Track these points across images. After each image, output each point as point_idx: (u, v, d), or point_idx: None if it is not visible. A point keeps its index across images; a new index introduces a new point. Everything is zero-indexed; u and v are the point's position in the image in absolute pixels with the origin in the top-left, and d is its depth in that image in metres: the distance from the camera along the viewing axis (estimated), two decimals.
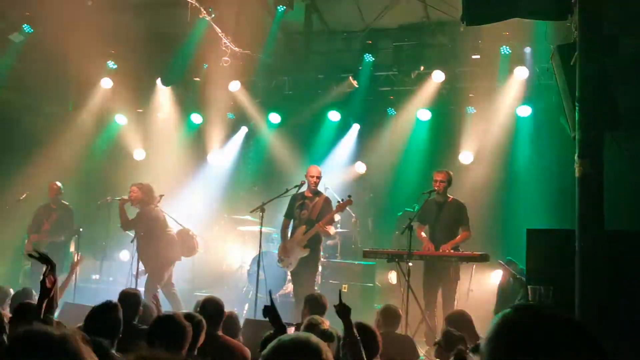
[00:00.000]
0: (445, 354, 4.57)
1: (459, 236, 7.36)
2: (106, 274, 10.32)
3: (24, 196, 9.07)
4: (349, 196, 7.69)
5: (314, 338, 2.03)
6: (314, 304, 5.40)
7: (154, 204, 8.44)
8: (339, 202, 7.78)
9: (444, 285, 7.23)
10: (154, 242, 8.26)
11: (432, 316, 7.14)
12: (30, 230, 9.15)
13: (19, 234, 9.45)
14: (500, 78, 9.26)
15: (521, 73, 9.07)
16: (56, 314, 7.14)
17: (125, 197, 8.51)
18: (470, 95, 9.59)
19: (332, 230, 8.03)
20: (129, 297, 5.06)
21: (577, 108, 5.05)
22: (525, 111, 9.27)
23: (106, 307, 4.08)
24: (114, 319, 4.00)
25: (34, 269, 9.03)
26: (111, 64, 10.49)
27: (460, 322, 5.22)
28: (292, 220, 8.03)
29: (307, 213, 7.77)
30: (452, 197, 7.57)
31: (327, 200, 7.91)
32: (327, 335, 4.16)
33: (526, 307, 1.61)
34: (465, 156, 9.54)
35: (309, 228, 7.67)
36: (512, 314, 1.57)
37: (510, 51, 8.96)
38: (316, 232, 7.68)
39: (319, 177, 7.90)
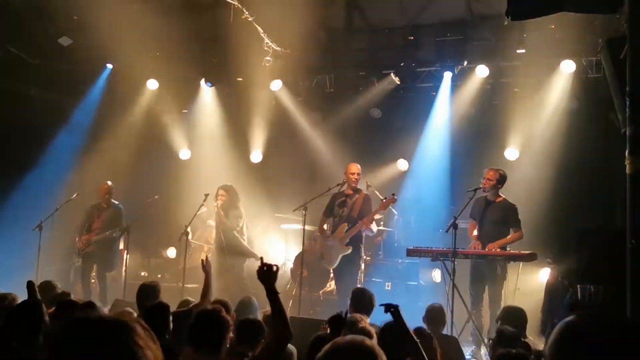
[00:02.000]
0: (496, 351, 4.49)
1: (510, 237, 7.18)
2: (154, 271, 10.55)
3: (74, 196, 9.34)
4: (393, 194, 7.67)
5: (368, 341, 2.03)
6: (357, 300, 5.36)
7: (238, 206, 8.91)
8: (382, 200, 7.76)
9: (491, 284, 7.11)
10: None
11: (478, 315, 7.05)
12: (81, 229, 9.41)
13: (69, 232, 9.74)
14: (546, 72, 9.07)
15: (568, 67, 8.85)
16: (106, 310, 7.37)
17: (217, 203, 8.80)
18: (515, 90, 9.41)
19: (374, 227, 8.04)
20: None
21: (627, 103, 4.91)
22: (573, 106, 9.03)
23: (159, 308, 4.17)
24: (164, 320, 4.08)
25: (84, 267, 9.34)
26: (156, 65, 10.67)
27: (517, 317, 5.11)
28: (330, 219, 8.08)
29: (347, 210, 7.82)
30: (503, 197, 7.41)
31: (367, 197, 7.95)
32: (364, 334, 4.16)
33: (590, 313, 1.59)
34: (511, 153, 9.35)
35: (351, 226, 7.68)
36: (576, 321, 1.55)
37: (555, 44, 8.74)
38: (358, 230, 7.70)
39: (359, 174, 7.94)
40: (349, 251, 7.70)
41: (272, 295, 3.51)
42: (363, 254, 8.22)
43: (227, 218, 8.85)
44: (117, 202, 9.54)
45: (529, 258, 6.94)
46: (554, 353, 1.54)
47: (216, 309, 3.97)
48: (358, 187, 8.08)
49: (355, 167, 7.99)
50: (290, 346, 4.54)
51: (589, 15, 7.09)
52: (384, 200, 7.68)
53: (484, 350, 6.76)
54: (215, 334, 3.74)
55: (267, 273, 3.52)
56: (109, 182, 9.49)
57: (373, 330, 4.23)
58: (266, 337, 4.17)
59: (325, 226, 8.24)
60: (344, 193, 8.00)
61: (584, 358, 1.48)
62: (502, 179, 7.34)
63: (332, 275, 9.02)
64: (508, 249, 7.16)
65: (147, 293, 5.34)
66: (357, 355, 1.96)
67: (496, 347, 4.52)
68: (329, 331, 3.80)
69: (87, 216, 9.45)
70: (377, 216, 8.09)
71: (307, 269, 8.46)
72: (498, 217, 7.27)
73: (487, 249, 7.09)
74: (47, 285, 5.99)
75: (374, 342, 2.06)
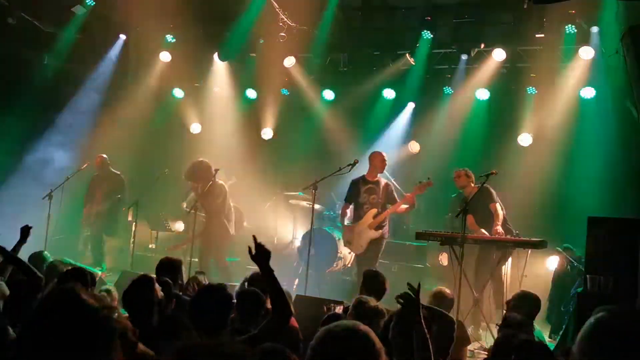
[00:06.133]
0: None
1: (495, 216, 7.25)
2: (162, 243, 10.58)
3: (84, 166, 9.36)
4: (429, 178, 7.69)
5: (362, 326, 1.99)
6: (370, 282, 5.31)
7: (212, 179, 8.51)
8: (418, 183, 7.75)
9: (493, 270, 7.13)
10: (219, 217, 8.47)
11: (481, 299, 7.05)
12: (87, 200, 9.51)
13: (78, 203, 9.79)
14: (564, 58, 8.93)
15: (586, 53, 8.71)
16: (114, 280, 7.42)
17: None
18: (531, 75, 9.29)
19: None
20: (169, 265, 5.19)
21: None
22: (589, 93, 8.91)
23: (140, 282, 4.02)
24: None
25: (93, 236, 9.43)
26: (170, 38, 10.64)
27: (523, 300, 5.07)
28: (351, 205, 8.05)
29: (376, 197, 7.86)
30: (474, 186, 7.47)
31: (388, 183, 8.02)
32: (376, 311, 4.13)
33: (622, 310, 1.54)
34: (524, 138, 9.26)
35: (380, 211, 7.75)
36: (608, 318, 1.50)
37: (575, 30, 8.61)
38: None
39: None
40: (378, 235, 7.78)
41: (269, 274, 3.36)
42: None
43: (207, 201, 8.54)
44: (118, 172, 9.62)
45: (539, 245, 6.88)
46: (585, 347, 1.49)
47: (222, 286, 3.85)
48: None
49: (386, 156, 8.02)
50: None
51: (612, 1, 6.94)
52: (421, 184, 7.67)
53: (481, 332, 6.81)
54: (219, 313, 3.59)
55: (261, 252, 3.36)
56: (103, 155, 9.54)
57: (385, 310, 4.20)
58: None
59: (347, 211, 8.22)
60: (367, 180, 8.00)
61: (619, 355, 1.44)
62: (464, 175, 7.48)
63: (339, 254, 9.02)
64: (519, 234, 7.12)
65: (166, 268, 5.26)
66: (351, 340, 1.92)
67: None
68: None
69: (90, 187, 9.58)
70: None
71: (314, 248, 8.45)
72: (480, 204, 7.30)
73: (493, 233, 7.09)
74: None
75: (367, 327, 2.01)
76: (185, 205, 9.39)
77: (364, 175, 7.98)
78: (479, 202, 7.25)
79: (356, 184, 7.98)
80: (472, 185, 7.57)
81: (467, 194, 7.52)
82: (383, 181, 8.00)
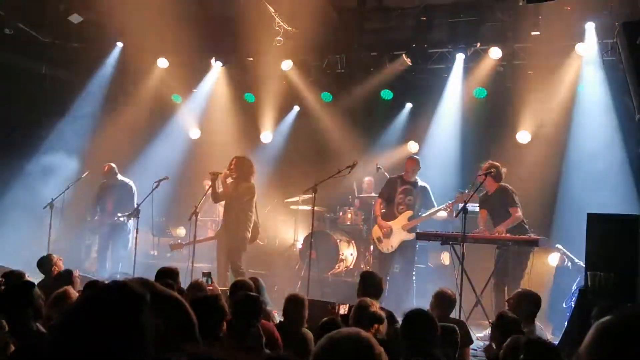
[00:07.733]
0: (497, 336, 4.48)
1: (509, 219, 7.18)
2: (163, 250, 10.60)
3: (85, 174, 9.36)
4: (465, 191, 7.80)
5: (364, 333, 2.01)
6: (367, 283, 5.34)
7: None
8: (460, 192, 7.81)
9: (515, 269, 7.14)
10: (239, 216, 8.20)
11: (500, 299, 7.06)
12: (94, 209, 9.44)
13: (80, 210, 9.79)
14: (561, 55, 8.94)
15: (582, 50, 8.73)
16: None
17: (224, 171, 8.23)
18: (528, 72, 9.29)
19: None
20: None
21: None
22: (586, 89, 8.93)
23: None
24: None
25: (103, 246, 9.43)
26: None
27: (523, 299, 5.08)
28: (385, 202, 8.19)
29: (412, 199, 8.05)
30: (498, 184, 7.40)
31: (425, 187, 8.22)
32: (377, 318, 4.16)
33: (629, 313, 1.54)
34: (523, 136, 9.27)
35: (415, 215, 7.96)
36: (614, 320, 1.50)
37: (571, 27, 8.62)
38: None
39: None
40: (412, 237, 7.89)
41: None
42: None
43: (236, 189, 8.41)
44: (127, 181, 9.49)
45: (540, 242, 6.90)
46: (592, 351, 1.49)
47: (214, 296, 3.88)
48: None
49: (417, 161, 8.22)
50: (306, 331, 4.53)
51: None
52: (462, 194, 7.71)
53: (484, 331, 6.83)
54: (209, 322, 3.70)
55: None
56: (111, 164, 9.42)
57: (384, 314, 4.23)
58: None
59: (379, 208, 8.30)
60: (404, 180, 8.13)
61: (622, 357, 1.43)
62: (491, 172, 7.24)
63: (340, 256, 9.04)
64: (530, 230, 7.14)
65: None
66: (354, 348, 1.94)
67: (495, 331, 4.51)
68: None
69: (98, 195, 9.48)
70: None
71: (315, 251, 8.46)
72: (498, 204, 7.31)
73: (495, 232, 7.10)
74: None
75: (369, 335, 2.04)
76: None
77: (401, 175, 8.10)
78: (498, 202, 7.30)
79: (393, 183, 8.10)
80: (494, 182, 7.40)
81: (488, 189, 7.47)
82: (421, 184, 8.15)
